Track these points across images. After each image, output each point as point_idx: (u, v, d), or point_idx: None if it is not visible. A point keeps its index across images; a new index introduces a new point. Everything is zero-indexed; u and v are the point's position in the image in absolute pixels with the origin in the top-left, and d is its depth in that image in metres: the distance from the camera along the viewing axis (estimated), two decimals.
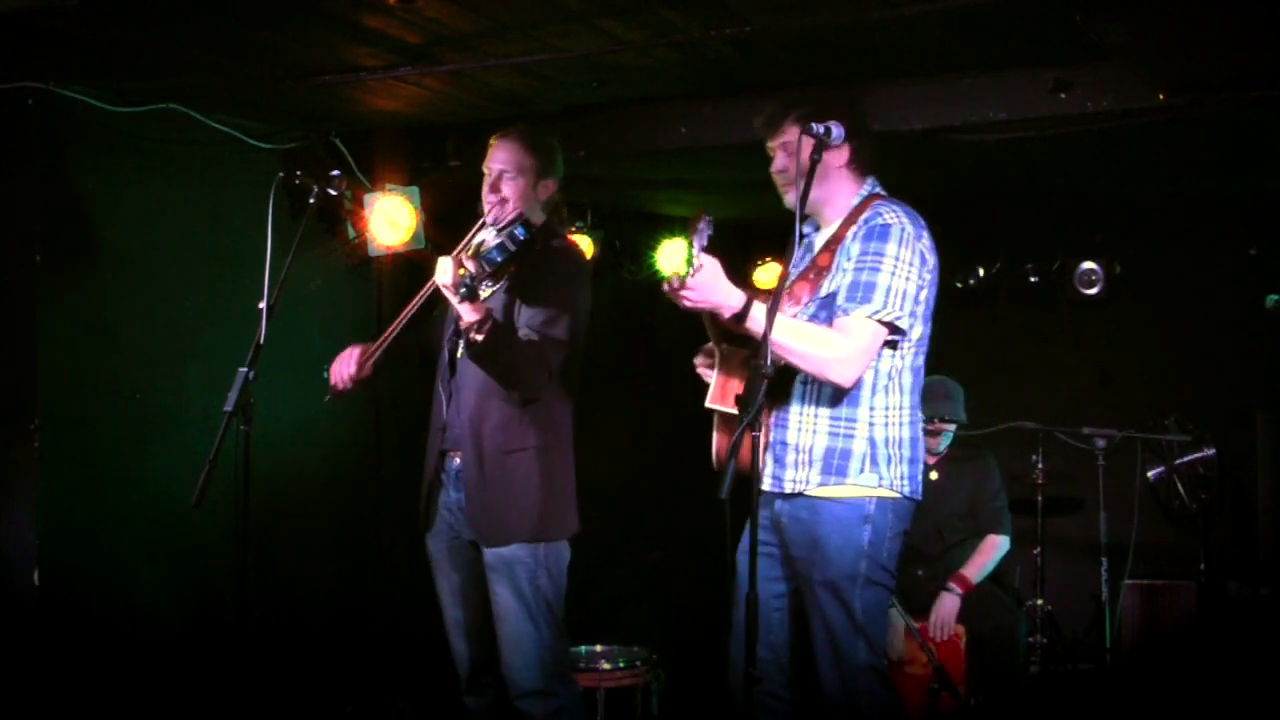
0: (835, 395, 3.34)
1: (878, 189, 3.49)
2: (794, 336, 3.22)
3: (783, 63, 4.33)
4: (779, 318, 3.08)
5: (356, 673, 5.40)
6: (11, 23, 3.63)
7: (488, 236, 3.70)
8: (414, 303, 3.73)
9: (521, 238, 3.58)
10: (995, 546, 5.40)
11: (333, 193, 3.85)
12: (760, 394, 2.94)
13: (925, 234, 3.37)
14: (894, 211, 3.35)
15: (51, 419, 4.33)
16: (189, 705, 4.65)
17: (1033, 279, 6.82)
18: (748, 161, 3.50)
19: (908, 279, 3.29)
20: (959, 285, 6.84)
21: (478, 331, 3.48)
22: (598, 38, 3.98)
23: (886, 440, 3.36)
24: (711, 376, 3.46)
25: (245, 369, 3.53)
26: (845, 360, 3.25)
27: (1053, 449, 5.76)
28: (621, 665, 4.90)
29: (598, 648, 5.08)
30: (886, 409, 3.37)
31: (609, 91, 4.70)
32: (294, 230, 3.79)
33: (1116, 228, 6.69)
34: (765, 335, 3.04)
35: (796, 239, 3.39)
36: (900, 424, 3.39)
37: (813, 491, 3.35)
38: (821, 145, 3.22)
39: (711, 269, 3.08)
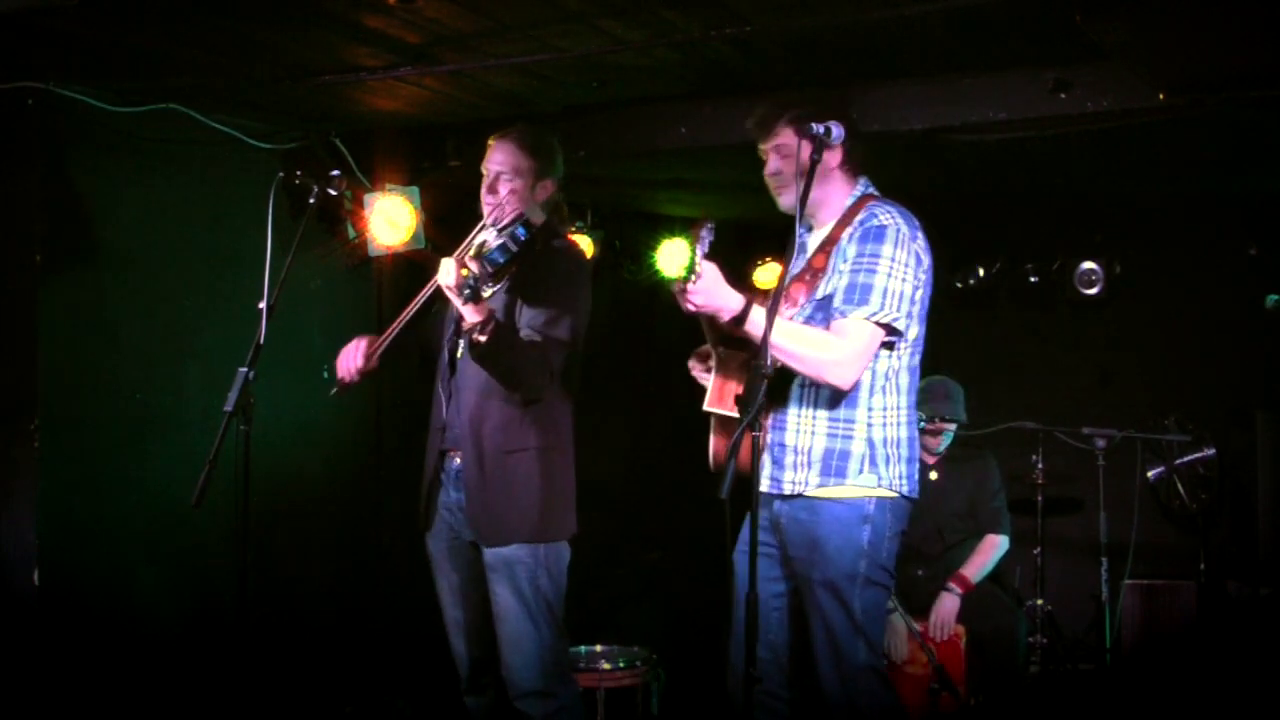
0: (833, 396, 3.35)
1: (871, 189, 3.49)
2: (792, 340, 3.23)
3: (783, 63, 4.33)
4: (777, 321, 3.08)
5: (356, 673, 5.40)
6: (11, 23, 3.63)
7: (489, 237, 3.70)
8: (418, 298, 3.72)
9: (523, 238, 3.58)
10: (995, 546, 5.41)
11: (333, 193, 3.85)
12: (760, 394, 2.94)
13: (920, 234, 3.38)
14: (889, 212, 3.35)
15: (51, 419, 4.33)
16: (189, 705, 4.65)
17: (1033, 279, 6.81)
18: (748, 161, 3.50)
19: (904, 280, 3.29)
20: (959, 285, 6.85)
21: (481, 332, 3.48)
22: (598, 38, 3.98)
23: (885, 440, 3.36)
24: (708, 380, 3.46)
25: (245, 369, 3.53)
26: (843, 363, 3.26)
27: (1053, 449, 5.76)
28: (621, 665, 4.90)
29: (598, 648, 5.08)
30: (885, 409, 3.37)
31: (609, 91, 4.70)
32: (294, 230, 3.79)
33: (1116, 228, 6.68)
34: (765, 336, 3.04)
35: (802, 242, 3.39)
36: (898, 424, 3.39)
37: (812, 492, 3.35)
38: (821, 146, 3.22)
39: (712, 275, 3.11)
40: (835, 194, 3.45)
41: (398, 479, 4.78)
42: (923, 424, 5.26)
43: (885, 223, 3.32)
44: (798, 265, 3.46)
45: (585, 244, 5.96)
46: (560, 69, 4.35)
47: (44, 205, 4.35)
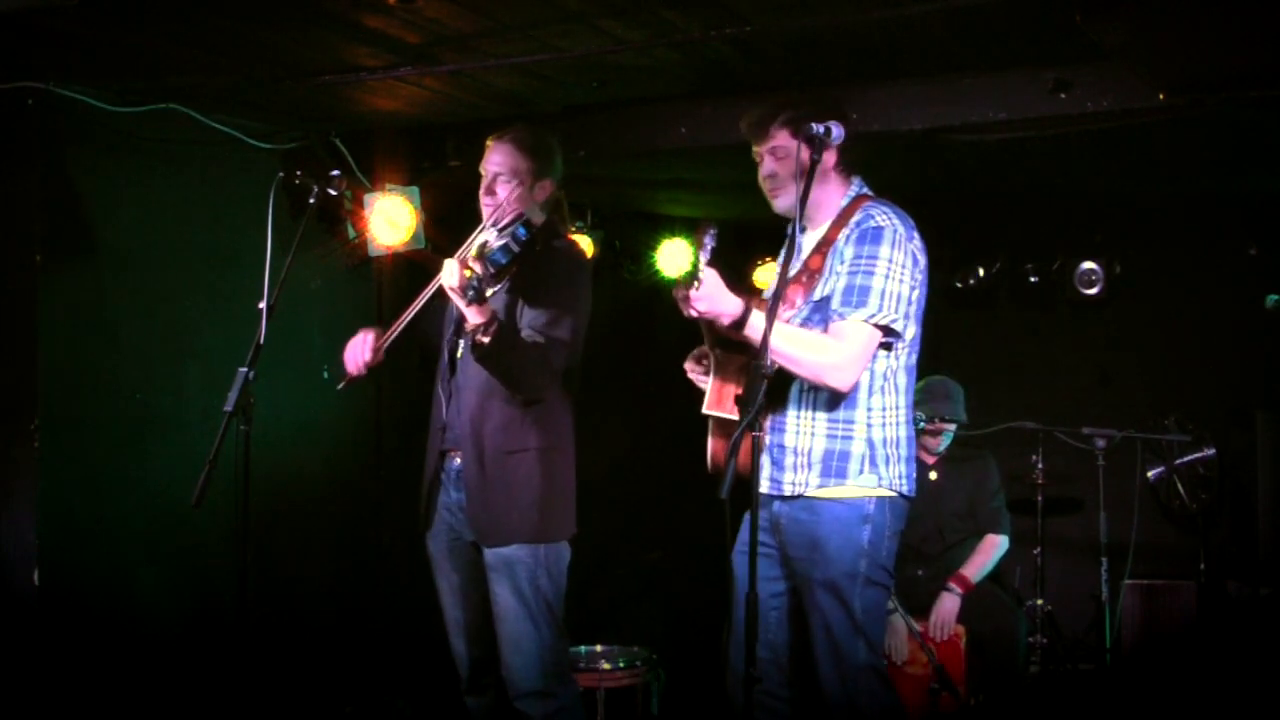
0: (832, 398, 3.35)
1: (865, 189, 3.49)
2: (791, 344, 3.23)
3: (783, 63, 4.33)
4: (776, 324, 3.09)
5: (356, 673, 5.40)
6: (11, 23, 3.63)
7: (490, 238, 3.70)
8: (423, 295, 3.71)
9: (524, 238, 3.58)
10: (995, 546, 5.41)
11: (333, 193, 3.85)
12: (760, 394, 2.94)
13: (916, 234, 3.38)
14: (885, 213, 3.35)
15: (51, 419, 4.33)
16: (189, 705, 4.65)
17: (1033, 279, 6.82)
18: (748, 161, 3.50)
19: (901, 281, 3.30)
20: (959, 285, 6.85)
21: (484, 333, 3.48)
22: (598, 38, 3.98)
23: (884, 440, 3.37)
24: (706, 382, 3.46)
25: (245, 369, 3.53)
26: (842, 366, 3.26)
27: (1053, 449, 5.76)
28: (621, 665, 4.90)
29: (598, 648, 5.09)
30: (884, 409, 3.37)
31: (609, 91, 4.70)
32: (294, 230, 3.79)
33: (1116, 228, 6.69)
34: (765, 336, 3.04)
35: (797, 244, 3.39)
36: (896, 424, 3.40)
37: (812, 493, 3.35)
38: (821, 146, 3.22)
39: (713, 282, 3.11)
40: (830, 195, 3.45)
41: (398, 479, 4.78)
42: (923, 424, 5.27)
43: (882, 224, 3.32)
44: (793, 267, 3.46)
45: (585, 244, 5.96)
46: (560, 69, 4.35)
47: (44, 205, 4.35)
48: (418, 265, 5.18)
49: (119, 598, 4.57)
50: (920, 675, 4.98)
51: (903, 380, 3.42)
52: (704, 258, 3.05)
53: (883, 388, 3.38)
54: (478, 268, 3.47)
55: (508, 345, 3.56)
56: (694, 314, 3.17)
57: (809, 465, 3.35)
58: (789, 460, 3.38)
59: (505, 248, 3.55)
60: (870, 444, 3.35)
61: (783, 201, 3.42)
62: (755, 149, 3.47)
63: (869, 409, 3.36)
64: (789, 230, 3.52)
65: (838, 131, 3.25)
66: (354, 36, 3.95)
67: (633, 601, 6.25)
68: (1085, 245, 6.68)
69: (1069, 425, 5.74)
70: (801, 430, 3.37)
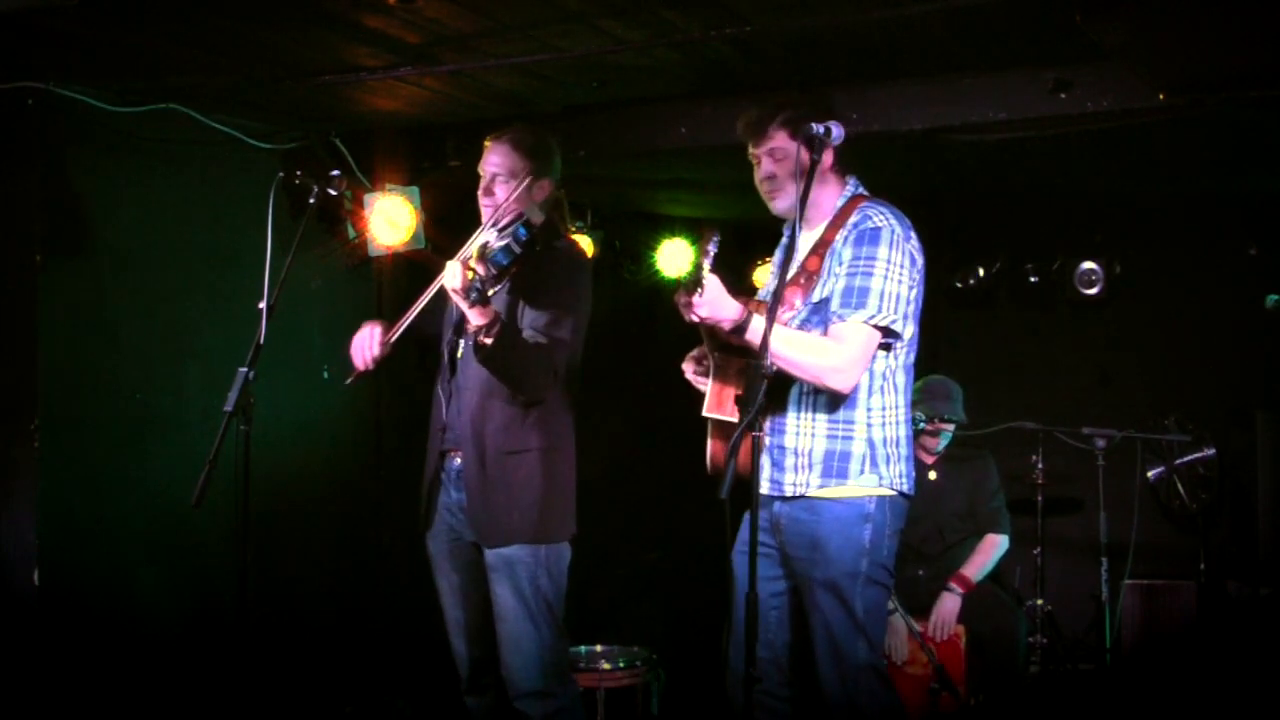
0: (832, 398, 3.35)
1: (860, 189, 3.49)
2: (791, 347, 3.23)
3: (783, 63, 4.33)
4: (775, 328, 3.09)
5: (356, 673, 5.40)
6: (11, 23, 3.63)
7: (490, 239, 3.69)
8: (427, 293, 3.70)
9: (524, 238, 3.58)
10: (995, 546, 5.40)
11: (333, 193, 3.84)
12: (760, 394, 2.94)
13: (913, 234, 3.38)
14: (882, 213, 3.35)
15: (51, 419, 4.33)
16: (189, 705, 4.65)
17: (1033, 279, 6.81)
18: (748, 162, 3.50)
19: (900, 281, 3.30)
20: (959, 285, 6.85)
21: (487, 335, 3.48)
22: (598, 38, 3.98)
23: (885, 440, 3.37)
24: (705, 385, 3.46)
25: (245, 369, 3.53)
26: (843, 369, 3.26)
27: (1053, 449, 5.75)
28: (621, 665, 4.90)
29: (598, 648, 5.08)
30: (884, 409, 3.38)
31: (609, 91, 4.70)
32: (294, 230, 3.78)
33: (1116, 228, 6.69)
34: (765, 336, 3.04)
35: (796, 245, 3.39)
36: (896, 423, 3.40)
37: (813, 493, 3.35)
38: (821, 146, 3.22)
39: (715, 288, 3.11)
40: (827, 195, 3.44)
41: (398, 479, 4.78)
42: (922, 424, 5.26)
43: (879, 224, 3.32)
44: (789, 266, 3.46)
45: (585, 244, 5.96)
46: (560, 69, 4.35)
47: (44, 205, 4.35)
48: (418, 265, 5.18)
49: (119, 598, 4.57)
50: (920, 675, 4.98)
51: (901, 379, 3.43)
52: (707, 264, 3.05)
53: (882, 388, 3.38)
54: (480, 269, 3.46)
55: (510, 346, 3.56)
56: (696, 319, 3.17)
57: (810, 466, 3.35)
58: (789, 461, 3.38)
59: (506, 248, 3.54)
60: (871, 444, 3.35)
61: (781, 202, 3.42)
62: (752, 150, 3.46)
63: (869, 409, 3.36)
64: (784, 230, 3.53)
65: (837, 132, 3.25)
66: (354, 36, 3.95)
67: (633, 601, 6.25)
68: (1085, 245, 6.68)
69: (1069, 425, 5.74)
70: (802, 431, 3.37)
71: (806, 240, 3.45)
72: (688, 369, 3.53)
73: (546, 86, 4.60)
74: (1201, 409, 6.10)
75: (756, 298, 3.52)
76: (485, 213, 3.78)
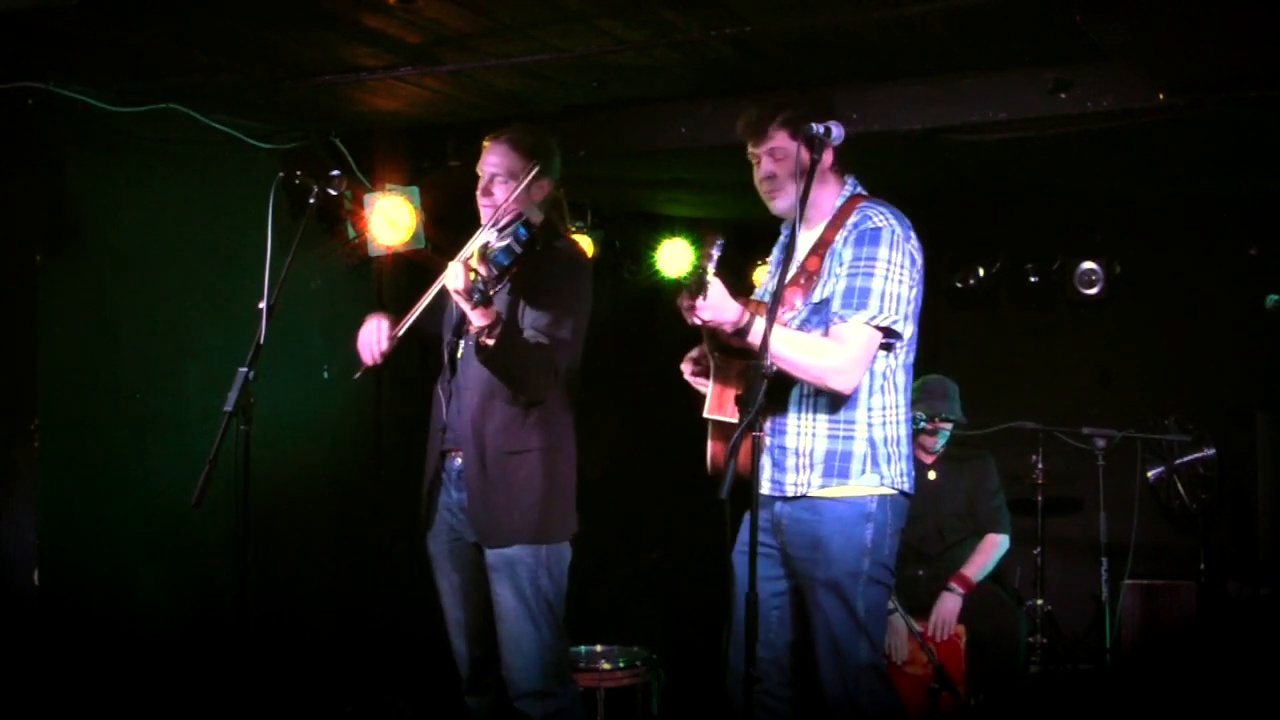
0: (833, 399, 3.35)
1: (859, 189, 3.49)
2: (792, 348, 3.23)
3: (783, 63, 4.33)
4: (776, 329, 3.09)
5: (356, 673, 5.41)
6: (11, 23, 3.63)
7: (491, 239, 3.68)
8: (429, 292, 3.69)
9: (524, 238, 3.57)
10: (995, 545, 5.40)
11: (333, 193, 3.84)
12: (760, 393, 2.94)
13: (912, 234, 3.38)
14: (881, 214, 3.35)
15: (51, 419, 4.33)
16: (189, 705, 4.65)
17: (1033, 279, 6.82)
18: (748, 161, 3.50)
19: (900, 281, 3.30)
20: (959, 285, 6.85)
21: (488, 335, 3.47)
22: (598, 38, 3.98)
23: (885, 439, 3.37)
24: (704, 386, 3.46)
25: (245, 369, 3.53)
26: (844, 370, 3.26)
27: (1053, 449, 5.76)
28: (621, 665, 4.90)
29: (598, 648, 5.08)
30: (884, 409, 3.38)
31: (609, 91, 4.70)
32: (294, 230, 3.78)
33: (1116, 228, 6.69)
34: (765, 336, 3.04)
35: (795, 246, 3.39)
36: (896, 422, 3.41)
37: (815, 493, 3.35)
38: (821, 146, 3.22)
39: (718, 291, 3.11)
40: (827, 195, 3.44)
41: (398, 479, 4.77)
42: (922, 424, 5.27)
43: (879, 225, 3.32)
44: (791, 268, 3.45)
45: (585, 244, 5.96)
46: (560, 69, 4.35)
47: (44, 205, 4.35)
48: (418, 265, 5.18)
49: (119, 598, 4.57)
50: (920, 675, 4.98)
51: (901, 379, 3.43)
52: (710, 267, 3.05)
53: (882, 387, 3.38)
54: (482, 270, 3.46)
55: (511, 346, 3.56)
56: (698, 322, 3.17)
57: (811, 466, 3.35)
58: (790, 461, 3.38)
59: (507, 248, 3.54)
60: (871, 443, 3.35)
61: (781, 202, 3.42)
62: (751, 150, 3.46)
63: (869, 409, 3.36)
64: (782, 229, 3.53)
65: (837, 132, 3.25)
66: (354, 36, 3.95)
67: (633, 601, 6.25)
68: (1085, 245, 6.68)
69: (1069, 425, 5.75)
70: (803, 432, 3.37)
71: (806, 240, 3.45)
72: (686, 370, 3.53)
73: (546, 86, 4.60)
74: (1201, 409, 6.10)
75: (753, 297, 3.52)
76: (484, 213, 3.78)
